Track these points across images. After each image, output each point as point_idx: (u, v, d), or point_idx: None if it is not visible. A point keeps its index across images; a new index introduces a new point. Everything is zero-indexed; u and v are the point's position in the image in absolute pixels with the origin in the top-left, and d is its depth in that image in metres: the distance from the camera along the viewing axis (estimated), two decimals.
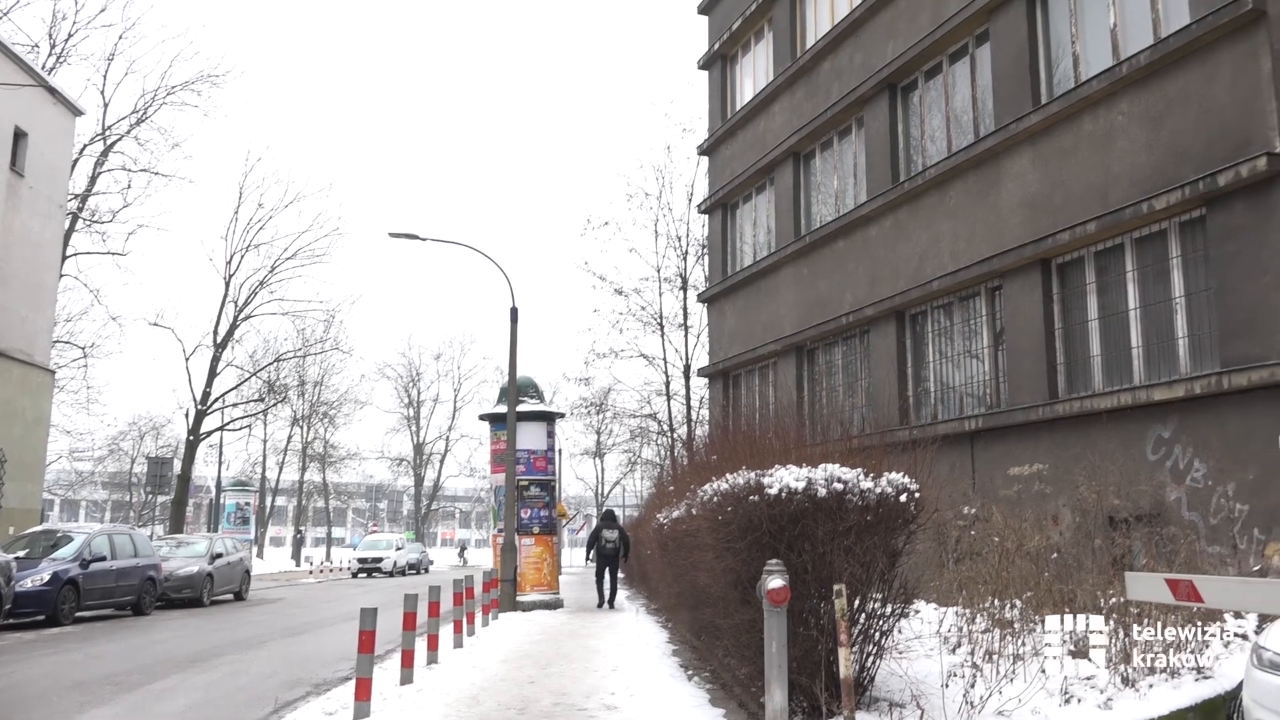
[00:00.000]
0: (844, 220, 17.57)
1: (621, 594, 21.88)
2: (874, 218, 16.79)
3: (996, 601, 8.11)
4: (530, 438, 20.78)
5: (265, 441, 56.28)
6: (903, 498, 7.16)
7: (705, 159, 25.23)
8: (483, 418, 23.53)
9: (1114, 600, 7.05)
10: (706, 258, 28.18)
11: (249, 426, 50.95)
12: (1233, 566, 9.08)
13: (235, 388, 45.33)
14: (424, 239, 21.77)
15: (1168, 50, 11.10)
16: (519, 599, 19.29)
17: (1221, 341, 10.44)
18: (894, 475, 7.29)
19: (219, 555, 23.59)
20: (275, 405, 51.17)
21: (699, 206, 25.67)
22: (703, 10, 24.91)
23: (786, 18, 20.52)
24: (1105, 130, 12.11)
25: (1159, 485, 10.65)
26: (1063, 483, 11.60)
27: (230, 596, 24.17)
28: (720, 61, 23.80)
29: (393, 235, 21.44)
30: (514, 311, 20.70)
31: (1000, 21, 14.14)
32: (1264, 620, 6.47)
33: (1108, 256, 12.27)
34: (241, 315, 43.12)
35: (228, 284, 42.28)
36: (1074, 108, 12.51)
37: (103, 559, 18.29)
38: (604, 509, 42.51)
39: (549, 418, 21.63)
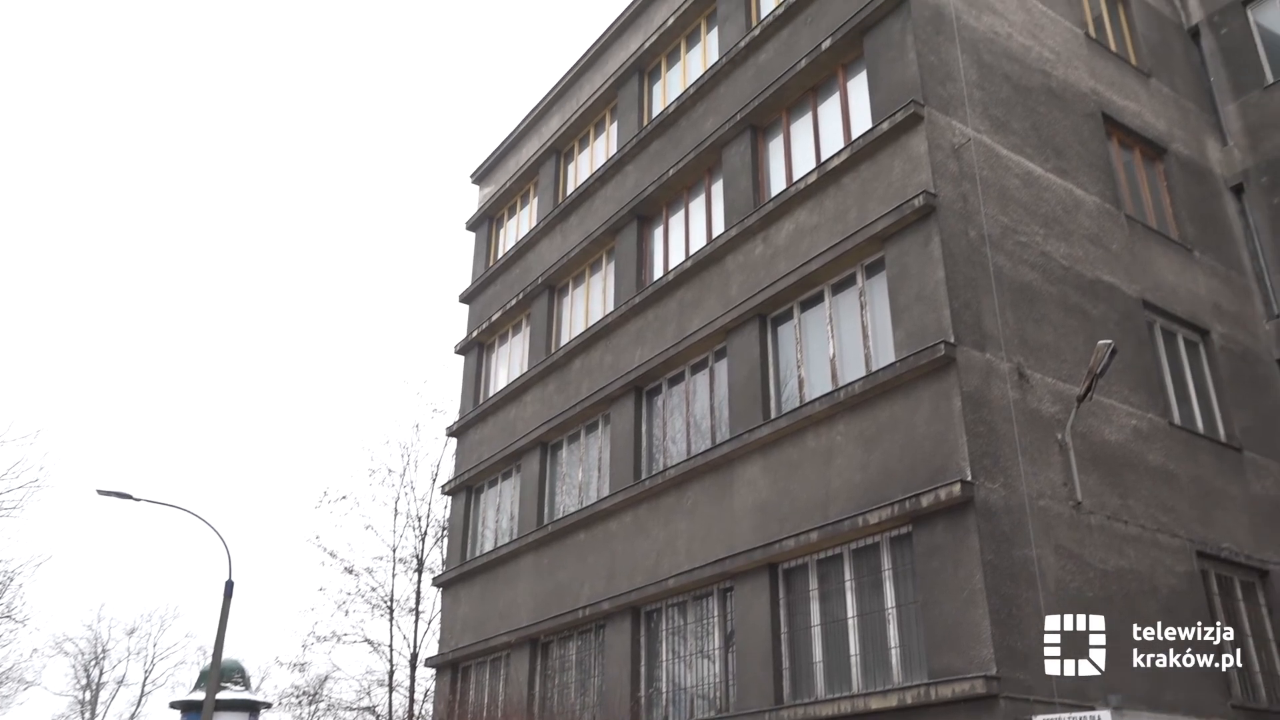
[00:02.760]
0: (586, 512, 17.81)
1: None
2: (615, 512, 17.13)
3: None
4: None
5: None
6: None
7: (454, 440, 25.27)
8: (175, 705, 20.99)
9: None
10: (446, 540, 27.49)
11: None
12: None
13: None
14: (137, 499, 20.17)
15: (877, 382, 12.51)
16: None
17: (928, 653, 11.09)
18: None
19: None
20: None
21: (443, 488, 25.32)
22: (464, 299, 25.87)
23: (544, 315, 21.63)
24: (826, 447, 13.22)
25: None
26: None
27: None
28: (477, 348, 24.49)
29: (101, 493, 19.81)
30: (229, 585, 19.14)
31: (736, 341, 15.52)
32: None
33: (829, 565, 13.01)
34: None
35: None
36: (799, 425, 13.65)
37: None
38: None
39: (253, 708, 19.60)
